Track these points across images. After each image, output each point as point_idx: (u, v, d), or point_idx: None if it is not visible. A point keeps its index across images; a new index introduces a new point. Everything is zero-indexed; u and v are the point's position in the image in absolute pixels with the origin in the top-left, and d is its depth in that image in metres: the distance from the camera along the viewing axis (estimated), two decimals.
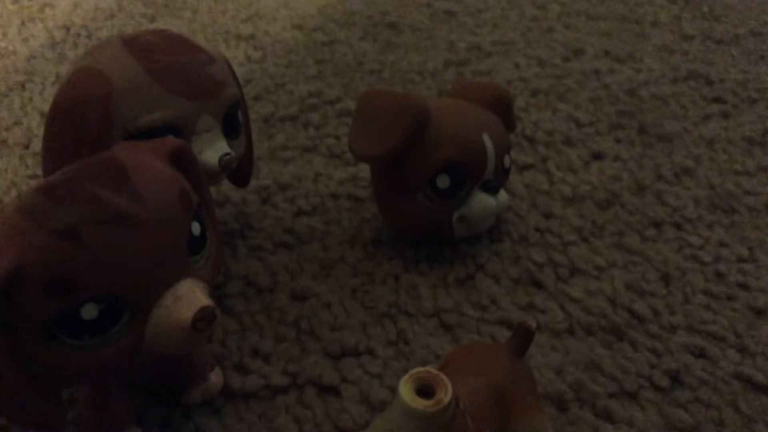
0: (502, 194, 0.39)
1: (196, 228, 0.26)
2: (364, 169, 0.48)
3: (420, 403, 0.22)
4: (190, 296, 0.24)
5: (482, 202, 0.38)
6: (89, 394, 0.29)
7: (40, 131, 0.51)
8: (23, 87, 0.58)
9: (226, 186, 0.45)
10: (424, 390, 0.22)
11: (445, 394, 0.22)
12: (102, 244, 0.22)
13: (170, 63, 0.33)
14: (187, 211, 0.25)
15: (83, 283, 0.22)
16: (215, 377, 0.32)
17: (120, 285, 0.23)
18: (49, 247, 0.22)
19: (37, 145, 0.50)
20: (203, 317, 0.24)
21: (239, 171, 0.39)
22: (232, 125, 0.35)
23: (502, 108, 0.40)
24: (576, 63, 0.64)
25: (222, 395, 0.32)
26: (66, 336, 0.23)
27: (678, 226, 0.44)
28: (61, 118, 0.32)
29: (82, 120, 0.31)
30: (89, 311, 0.23)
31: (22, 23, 0.69)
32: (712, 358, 0.35)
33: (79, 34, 0.67)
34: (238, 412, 0.32)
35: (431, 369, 0.23)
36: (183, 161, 0.28)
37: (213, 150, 0.33)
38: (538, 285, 0.39)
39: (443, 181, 0.37)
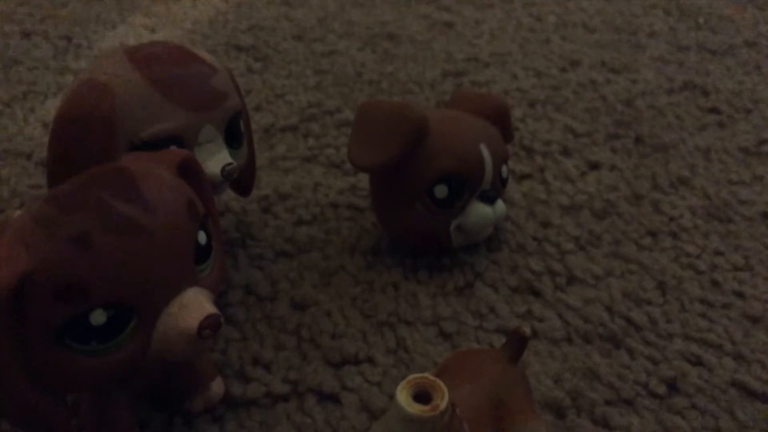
0: (500, 204, 0.39)
1: (202, 237, 0.26)
2: (364, 179, 0.48)
3: (417, 409, 0.22)
4: (196, 304, 0.25)
5: (480, 211, 0.38)
6: (92, 400, 0.29)
7: (42, 141, 0.52)
8: (25, 97, 0.58)
9: (226, 196, 0.45)
10: (421, 396, 0.22)
11: (442, 400, 0.22)
12: (112, 252, 0.23)
13: (173, 74, 0.33)
14: (193, 221, 0.26)
15: (93, 290, 0.23)
16: (217, 385, 0.32)
17: (128, 292, 0.23)
18: (60, 254, 0.22)
19: (40, 154, 0.50)
20: (209, 325, 0.24)
21: (241, 181, 0.40)
22: (234, 135, 0.36)
23: (499, 119, 0.41)
24: (573, 74, 0.64)
25: (223, 403, 0.33)
26: (75, 341, 0.23)
27: (674, 235, 0.44)
28: (65, 130, 0.32)
29: (87, 131, 0.31)
30: (98, 317, 0.23)
31: (25, 34, 0.70)
32: (709, 365, 0.35)
33: (80, 45, 0.68)
34: (239, 419, 0.32)
35: (428, 375, 0.23)
36: (189, 172, 0.28)
37: (215, 160, 0.34)
38: (536, 293, 0.39)
39: (441, 191, 0.37)
